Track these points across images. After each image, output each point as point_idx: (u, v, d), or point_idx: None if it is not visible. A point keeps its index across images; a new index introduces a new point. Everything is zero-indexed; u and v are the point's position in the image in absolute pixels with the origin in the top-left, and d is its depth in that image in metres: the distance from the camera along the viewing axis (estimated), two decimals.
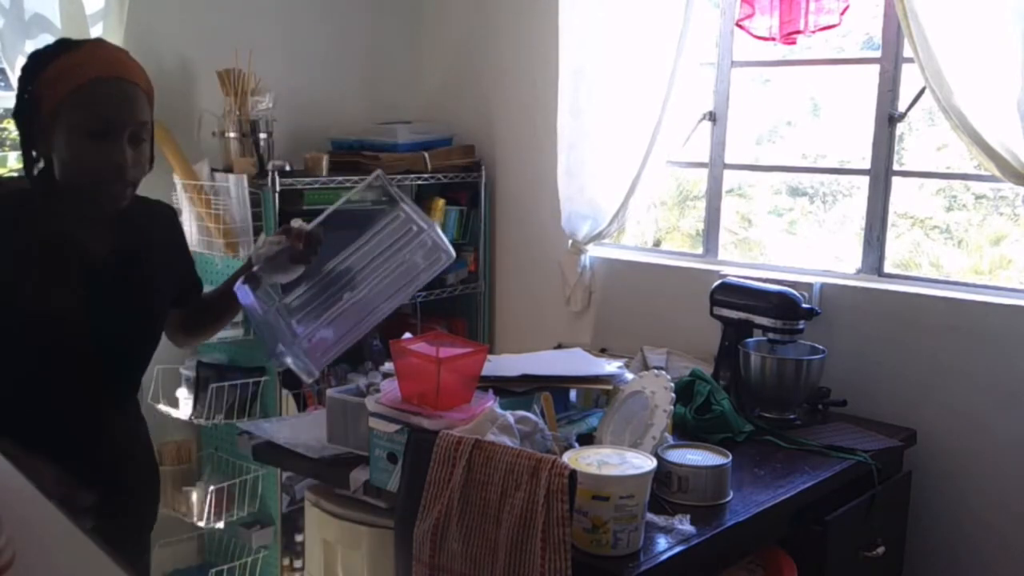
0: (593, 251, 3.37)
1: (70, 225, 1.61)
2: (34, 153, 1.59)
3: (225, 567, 3.07)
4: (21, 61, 2.65)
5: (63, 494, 1.41)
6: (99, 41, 1.64)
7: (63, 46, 1.58)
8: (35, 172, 1.60)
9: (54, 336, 1.59)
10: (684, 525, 1.90)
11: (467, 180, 3.59)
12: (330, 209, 1.78)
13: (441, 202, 3.54)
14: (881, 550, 2.41)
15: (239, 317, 2.95)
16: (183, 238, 1.90)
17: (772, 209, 4.28)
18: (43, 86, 1.54)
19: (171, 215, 1.89)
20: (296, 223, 1.74)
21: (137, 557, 1.80)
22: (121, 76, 1.56)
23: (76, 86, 1.52)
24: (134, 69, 1.60)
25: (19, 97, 1.58)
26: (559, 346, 3.16)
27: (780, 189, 4.25)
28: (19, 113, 1.58)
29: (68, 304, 1.60)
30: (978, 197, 4.04)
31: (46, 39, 2.67)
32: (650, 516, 1.88)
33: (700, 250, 3.29)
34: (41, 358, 1.60)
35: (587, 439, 2.22)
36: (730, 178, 3.32)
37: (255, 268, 1.73)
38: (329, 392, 2.28)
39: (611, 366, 2.43)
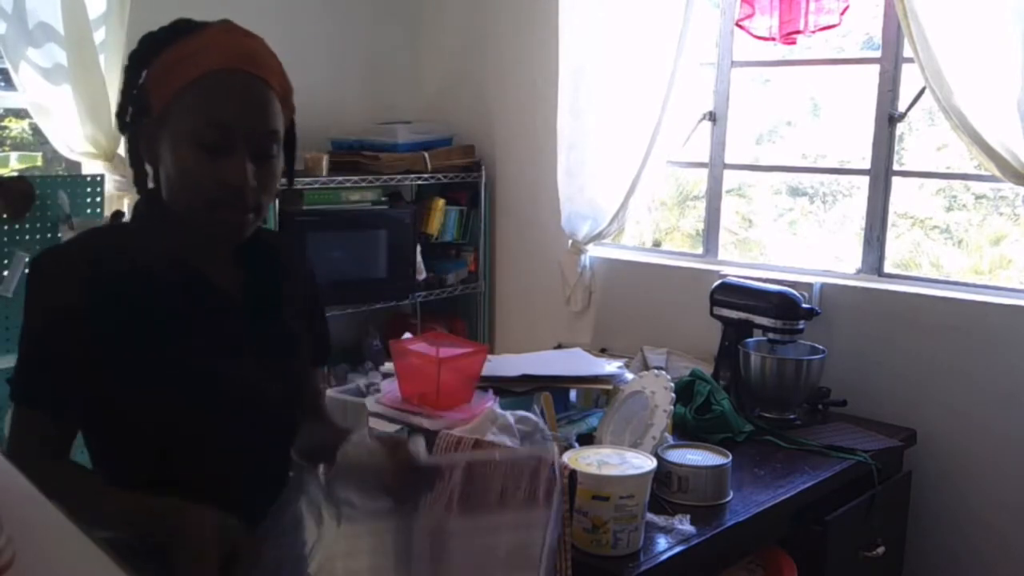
0: (593, 251, 3.37)
1: (187, 255, 1.25)
2: (148, 168, 1.27)
3: None
4: (24, 66, 2.67)
5: None
6: (226, 24, 1.23)
7: (180, 29, 1.22)
8: (146, 190, 1.29)
9: (176, 400, 1.20)
10: (684, 525, 1.90)
11: (467, 180, 3.59)
12: (470, 458, 1.21)
13: (441, 202, 3.54)
14: (881, 550, 2.41)
15: None
16: (318, 292, 1.48)
17: (775, 210, 4.28)
18: (152, 81, 1.21)
19: (308, 264, 1.47)
20: (415, 447, 1.28)
21: None
22: (247, 70, 1.19)
23: (187, 82, 1.17)
24: (266, 62, 1.22)
25: (123, 93, 1.25)
26: (559, 346, 3.16)
27: (780, 189, 4.25)
28: (123, 114, 1.25)
29: (189, 356, 1.21)
30: (978, 197, 4.04)
31: (51, 48, 2.67)
32: (650, 516, 1.88)
33: (700, 250, 3.29)
34: (165, 437, 1.21)
35: (587, 439, 2.22)
36: (730, 178, 3.32)
37: (329, 469, 1.27)
38: (329, 392, 2.28)
39: (611, 366, 2.43)
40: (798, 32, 2.84)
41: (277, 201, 2.95)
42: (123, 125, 1.26)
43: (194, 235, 1.25)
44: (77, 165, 2.86)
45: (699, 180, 3.44)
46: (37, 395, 1.19)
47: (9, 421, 1.21)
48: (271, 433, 1.31)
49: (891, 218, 2.93)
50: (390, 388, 2.11)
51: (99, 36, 2.74)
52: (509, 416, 2.00)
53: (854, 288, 2.85)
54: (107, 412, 1.21)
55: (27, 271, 1.21)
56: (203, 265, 1.26)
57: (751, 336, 2.73)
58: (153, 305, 1.20)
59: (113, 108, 2.72)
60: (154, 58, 1.21)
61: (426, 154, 3.42)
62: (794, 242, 4.28)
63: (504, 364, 2.30)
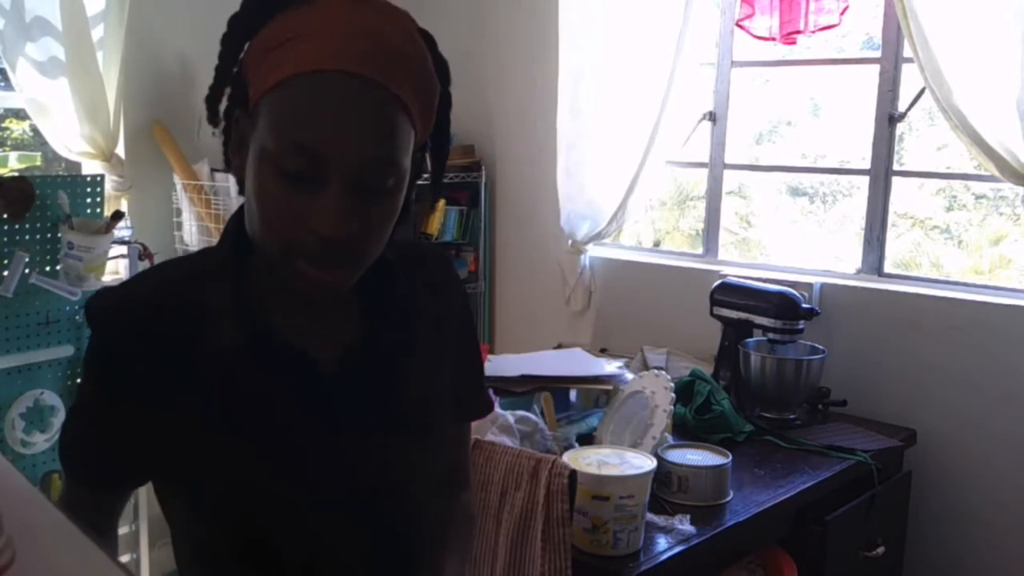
0: (593, 251, 3.37)
1: (274, 299, 0.96)
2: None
3: None
4: (23, 63, 2.67)
5: None
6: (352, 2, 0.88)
7: None
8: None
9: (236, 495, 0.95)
10: (684, 525, 1.90)
11: (467, 180, 3.59)
12: None
13: (441, 202, 3.54)
14: (881, 550, 2.41)
15: None
16: (472, 323, 1.16)
17: (775, 210, 4.28)
18: (250, 60, 0.90)
19: (460, 288, 1.13)
20: None
21: None
22: (365, 74, 0.85)
23: (275, 80, 0.86)
24: (393, 58, 0.87)
25: (219, 71, 0.93)
26: (559, 346, 3.16)
27: (780, 189, 4.26)
28: (215, 100, 0.93)
29: (249, 443, 0.94)
30: (978, 197, 4.04)
31: (47, 42, 2.67)
32: (650, 516, 1.88)
33: (700, 250, 3.29)
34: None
35: (587, 439, 2.22)
36: (730, 178, 3.32)
37: None
38: None
39: (611, 366, 2.43)
40: (798, 32, 2.84)
41: None
42: (214, 113, 0.93)
43: (273, 278, 0.94)
44: (77, 165, 2.86)
45: (699, 180, 3.44)
46: (80, 467, 1.01)
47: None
48: (376, 541, 1.00)
49: (891, 218, 2.93)
50: None
51: (97, 33, 2.72)
52: (509, 416, 2.00)
53: (854, 288, 2.85)
54: (165, 494, 1.01)
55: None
56: (292, 314, 0.95)
57: (751, 336, 2.73)
58: (209, 372, 0.92)
59: (111, 108, 2.75)
60: (261, 25, 0.88)
61: (426, 154, 3.41)
62: (794, 242, 4.28)
63: (504, 364, 2.30)
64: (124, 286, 0.99)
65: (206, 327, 0.92)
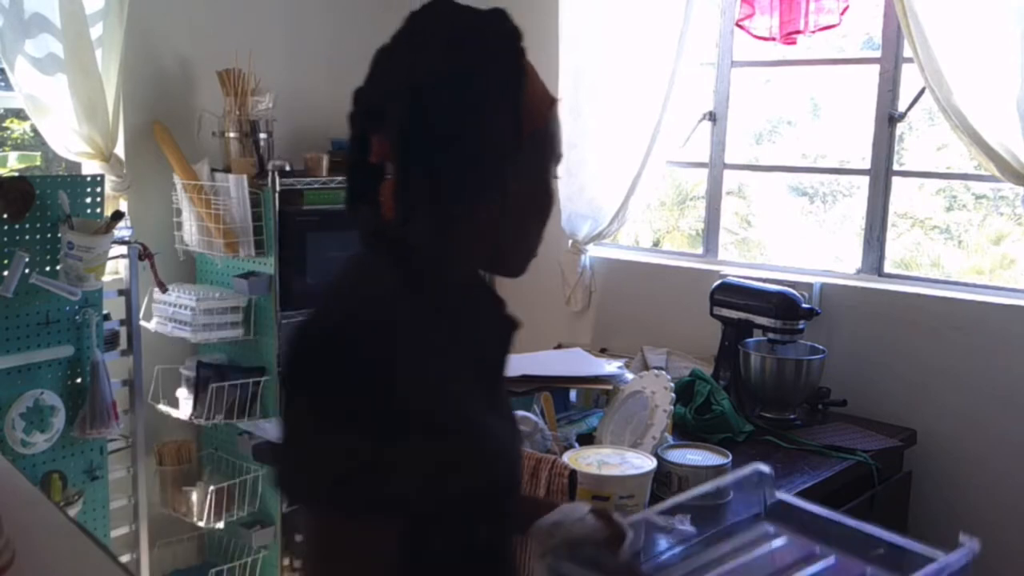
0: (593, 251, 3.37)
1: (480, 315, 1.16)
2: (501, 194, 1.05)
3: (225, 567, 3.07)
4: (20, 61, 2.66)
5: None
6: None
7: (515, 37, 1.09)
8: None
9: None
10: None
11: None
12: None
13: None
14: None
15: (240, 317, 2.96)
16: None
17: (775, 210, 4.28)
18: (530, 92, 1.07)
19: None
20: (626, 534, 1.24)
21: None
22: None
23: (550, 104, 1.09)
24: None
25: (483, 108, 1.04)
26: (559, 346, 3.16)
27: (780, 189, 4.26)
28: (512, 124, 1.04)
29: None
30: (978, 197, 4.05)
31: (45, 38, 2.67)
32: None
33: (700, 250, 3.29)
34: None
35: (587, 439, 2.22)
36: (730, 178, 3.32)
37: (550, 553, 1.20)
38: None
39: (611, 366, 2.43)
40: (798, 32, 2.84)
41: (276, 201, 2.94)
42: (510, 139, 1.04)
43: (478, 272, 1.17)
44: (77, 165, 2.86)
45: (699, 180, 3.44)
46: (394, 498, 0.92)
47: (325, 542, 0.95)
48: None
49: (891, 218, 2.93)
50: None
51: (96, 31, 2.71)
52: None
53: (854, 288, 2.85)
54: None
55: (326, 351, 0.97)
56: (484, 318, 1.16)
57: (751, 336, 2.73)
58: (465, 346, 1.08)
59: (110, 108, 2.75)
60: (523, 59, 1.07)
61: None
62: (794, 242, 4.28)
63: None
64: (353, 311, 0.99)
65: (446, 314, 1.04)
